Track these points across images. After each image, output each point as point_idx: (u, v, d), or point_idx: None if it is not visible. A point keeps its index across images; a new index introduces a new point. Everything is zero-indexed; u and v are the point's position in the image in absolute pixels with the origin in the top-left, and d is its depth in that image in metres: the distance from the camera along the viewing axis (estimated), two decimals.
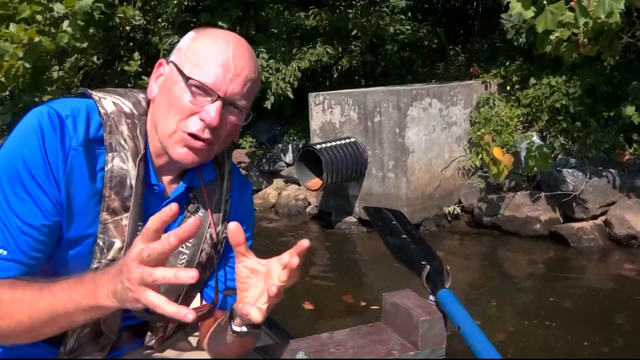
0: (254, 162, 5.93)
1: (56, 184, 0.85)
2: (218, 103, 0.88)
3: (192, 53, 0.90)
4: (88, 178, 0.87)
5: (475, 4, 6.87)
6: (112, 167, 0.88)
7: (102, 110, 0.89)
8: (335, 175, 4.28)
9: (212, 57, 0.88)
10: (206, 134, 0.89)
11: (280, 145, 5.81)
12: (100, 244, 0.88)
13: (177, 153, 0.90)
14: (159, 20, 6.26)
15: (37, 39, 4.03)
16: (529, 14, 3.12)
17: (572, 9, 3.23)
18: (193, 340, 1.13)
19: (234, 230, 0.84)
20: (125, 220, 0.89)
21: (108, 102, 0.90)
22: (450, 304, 1.02)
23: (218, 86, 0.88)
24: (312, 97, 4.83)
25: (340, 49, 5.83)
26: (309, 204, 5.19)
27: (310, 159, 4.41)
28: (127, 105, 0.92)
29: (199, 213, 0.99)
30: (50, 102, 0.89)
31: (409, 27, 5.86)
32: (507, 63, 5.02)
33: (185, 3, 5.88)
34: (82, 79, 6.96)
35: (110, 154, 0.88)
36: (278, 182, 5.64)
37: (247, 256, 0.87)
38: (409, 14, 6.15)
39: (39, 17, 4.39)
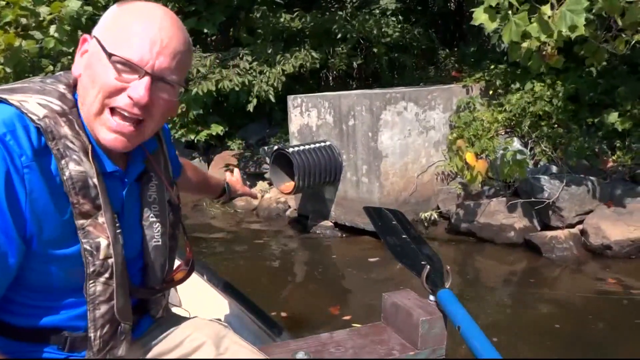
0: (240, 163, 5.96)
1: (20, 215, 0.80)
2: (146, 79, 0.83)
3: (115, 26, 0.85)
4: (49, 191, 0.83)
5: None
6: (70, 174, 0.84)
7: (34, 117, 0.82)
8: (308, 178, 4.26)
9: (137, 30, 0.83)
10: (135, 110, 0.85)
11: (265, 148, 5.82)
12: (88, 247, 0.87)
13: (105, 139, 0.86)
14: None
15: (17, 44, 4.12)
16: (493, 25, 3.06)
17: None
18: (183, 312, 1.22)
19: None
20: (101, 217, 0.87)
21: (33, 105, 0.83)
22: (450, 304, 1.02)
23: (144, 61, 0.83)
24: (290, 99, 4.82)
25: (330, 51, 5.81)
26: (289, 207, 5.18)
27: (286, 162, 4.40)
28: (55, 103, 0.85)
29: (154, 181, 1.01)
30: None
31: (397, 30, 5.80)
32: (492, 67, 4.93)
33: (177, 6, 5.94)
34: None
35: (63, 161, 0.83)
36: (262, 185, 5.65)
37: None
38: (400, 16, 6.09)
39: (23, 21, 4.48)
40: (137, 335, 1.03)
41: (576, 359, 2.54)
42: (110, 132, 0.86)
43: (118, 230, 0.90)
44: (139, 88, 0.83)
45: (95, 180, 0.86)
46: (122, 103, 0.84)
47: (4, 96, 0.83)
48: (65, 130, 0.85)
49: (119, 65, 0.83)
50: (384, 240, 1.29)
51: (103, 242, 0.87)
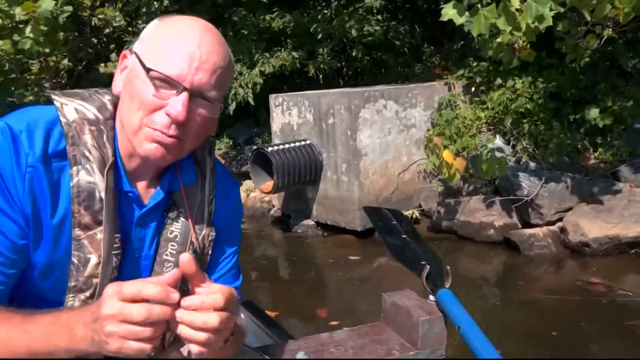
0: (227, 163, 5.96)
1: (18, 207, 0.81)
2: (184, 95, 0.81)
3: (154, 42, 0.84)
4: (52, 196, 0.83)
5: None
6: (78, 182, 0.83)
7: (63, 120, 0.84)
8: (287, 177, 4.25)
9: (175, 45, 0.81)
10: (172, 131, 0.82)
11: (247, 147, 5.82)
12: (75, 261, 0.84)
13: (145, 149, 0.84)
14: (140, 22, 6.34)
15: None
16: (462, 19, 3.06)
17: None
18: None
19: (185, 262, 0.75)
20: (100, 234, 0.84)
21: (70, 109, 0.85)
22: (450, 304, 1.02)
23: (183, 77, 0.81)
24: (272, 98, 4.81)
25: (314, 51, 5.79)
26: (273, 206, 5.18)
27: (267, 161, 4.39)
28: (91, 111, 0.86)
29: (181, 218, 0.94)
30: (8, 115, 0.85)
31: (379, 28, 5.78)
32: (474, 64, 4.91)
33: (164, 5, 5.94)
34: (68, 79, 7.12)
35: (74, 168, 0.83)
36: (248, 184, 5.64)
37: (201, 286, 0.77)
38: (384, 14, 6.07)
39: None
40: None
41: (574, 359, 2.52)
42: (150, 142, 0.84)
43: (115, 252, 0.86)
44: (176, 104, 0.81)
45: (102, 194, 0.84)
46: (160, 122, 0.82)
47: (55, 96, 0.87)
48: (87, 138, 0.84)
49: (157, 81, 0.82)
50: (384, 240, 1.28)
51: (93, 260, 0.85)
